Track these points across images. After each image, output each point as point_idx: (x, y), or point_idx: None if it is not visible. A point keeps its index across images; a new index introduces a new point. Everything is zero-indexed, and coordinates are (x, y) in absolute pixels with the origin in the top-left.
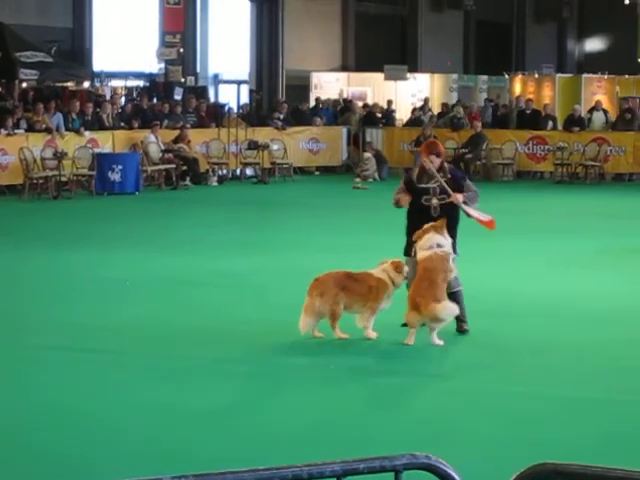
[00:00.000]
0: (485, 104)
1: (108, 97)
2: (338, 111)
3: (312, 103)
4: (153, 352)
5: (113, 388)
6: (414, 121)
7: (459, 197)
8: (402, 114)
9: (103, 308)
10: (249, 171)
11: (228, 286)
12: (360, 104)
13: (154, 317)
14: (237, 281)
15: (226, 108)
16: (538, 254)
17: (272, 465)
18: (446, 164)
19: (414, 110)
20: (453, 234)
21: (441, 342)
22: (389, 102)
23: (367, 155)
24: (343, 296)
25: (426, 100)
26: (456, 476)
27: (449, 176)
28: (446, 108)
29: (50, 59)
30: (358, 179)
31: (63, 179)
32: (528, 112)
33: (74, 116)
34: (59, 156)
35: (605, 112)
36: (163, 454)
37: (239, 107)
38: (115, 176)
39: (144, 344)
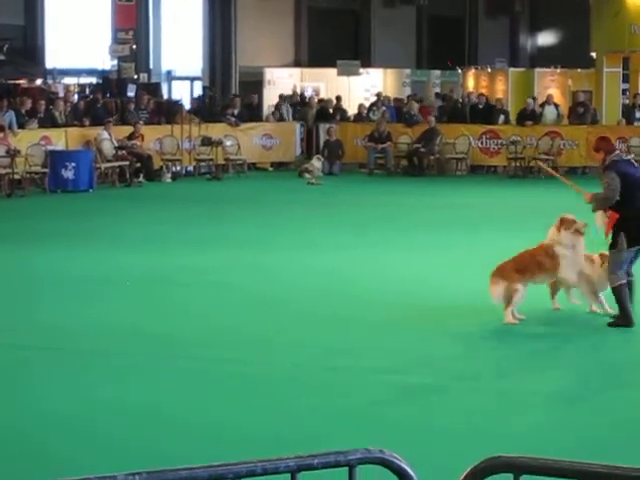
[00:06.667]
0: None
1: (61, 94)
2: (292, 106)
3: (270, 100)
4: (118, 351)
5: (74, 386)
6: (359, 117)
7: (587, 196)
8: (356, 109)
9: (69, 307)
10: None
11: (189, 283)
12: (315, 99)
13: (120, 315)
14: (197, 278)
15: (180, 104)
16: (489, 248)
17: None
18: (610, 156)
19: (360, 106)
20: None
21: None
22: (338, 98)
23: (314, 162)
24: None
25: (378, 95)
26: (410, 470)
27: (602, 170)
28: (399, 103)
29: (2, 57)
30: (309, 175)
31: (16, 177)
32: (481, 106)
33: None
34: (12, 154)
35: (556, 106)
36: (120, 450)
37: (191, 103)
38: (68, 173)
39: (110, 343)
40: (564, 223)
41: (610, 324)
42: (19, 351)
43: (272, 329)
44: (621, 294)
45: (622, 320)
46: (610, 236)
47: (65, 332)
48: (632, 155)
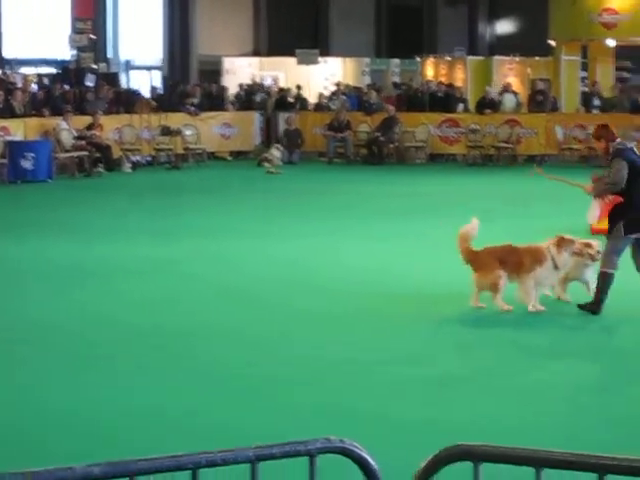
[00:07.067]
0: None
1: (19, 85)
2: (251, 95)
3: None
4: (77, 344)
5: (72, 383)
6: (318, 106)
7: (588, 188)
8: (315, 98)
9: (54, 300)
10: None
11: (157, 273)
12: (275, 89)
13: (85, 308)
14: (166, 267)
15: (139, 93)
16: (450, 236)
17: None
18: (614, 144)
19: (320, 95)
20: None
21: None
22: (297, 87)
23: (274, 151)
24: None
25: (338, 84)
26: (370, 459)
27: (610, 158)
28: (358, 92)
29: None
30: (268, 164)
31: None
32: (440, 95)
33: None
34: None
35: (515, 94)
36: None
37: (150, 93)
38: (27, 164)
39: (74, 337)
40: (564, 243)
41: (580, 306)
42: (12, 346)
43: (250, 324)
44: (605, 281)
45: (592, 306)
46: (606, 222)
47: (57, 328)
48: (634, 143)
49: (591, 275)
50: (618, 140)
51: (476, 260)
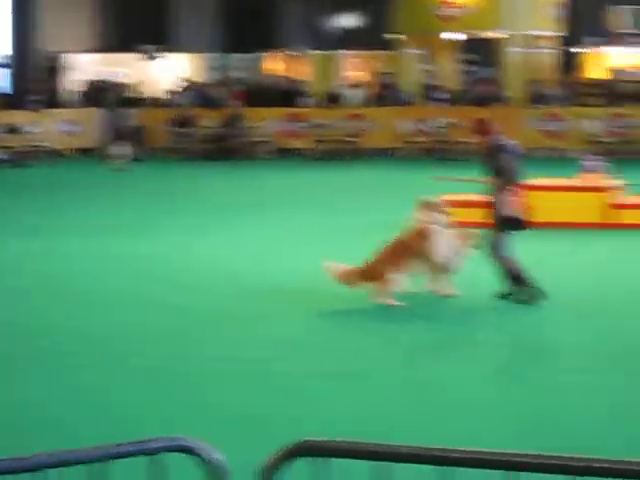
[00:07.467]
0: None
1: None
2: (95, 92)
3: (73, 85)
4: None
5: None
6: (164, 101)
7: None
8: (161, 94)
9: None
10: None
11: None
12: (120, 85)
13: None
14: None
15: None
16: (296, 229)
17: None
18: (495, 138)
19: (168, 92)
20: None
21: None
22: (142, 82)
23: (119, 148)
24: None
25: (183, 80)
26: (216, 456)
27: (492, 152)
28: (204, 87)
29: None
30: (113, 161)
31: None
32: (285, 89)
33: None
34: None
35: (361, 88)
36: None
37: None
38: None
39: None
40: (431, 206)
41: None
42: None
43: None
44: (516, 271)
45: (529, 297)
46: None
47: None
48: (515, 141)
49: (459, 264)
50: (497, 135)
51: (366, 275)
